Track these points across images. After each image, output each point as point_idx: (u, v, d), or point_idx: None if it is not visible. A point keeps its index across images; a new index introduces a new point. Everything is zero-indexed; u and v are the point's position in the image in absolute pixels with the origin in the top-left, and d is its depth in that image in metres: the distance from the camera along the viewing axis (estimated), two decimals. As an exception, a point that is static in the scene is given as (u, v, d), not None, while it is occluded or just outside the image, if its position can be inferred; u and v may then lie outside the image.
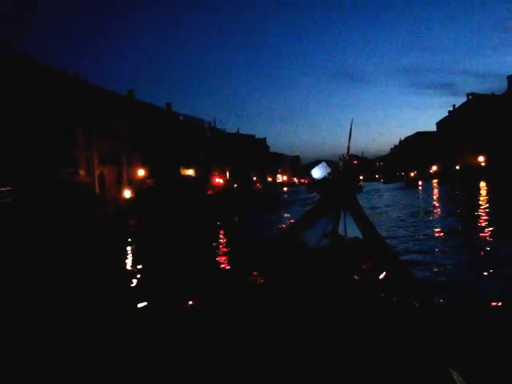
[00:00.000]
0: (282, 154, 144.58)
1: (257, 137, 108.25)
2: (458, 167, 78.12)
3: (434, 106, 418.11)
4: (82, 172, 40.04)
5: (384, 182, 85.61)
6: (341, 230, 4.43)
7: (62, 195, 31.93)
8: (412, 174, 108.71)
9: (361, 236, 4.39)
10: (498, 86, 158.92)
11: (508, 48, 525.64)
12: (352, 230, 4.44)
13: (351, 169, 5.14)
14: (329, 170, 5.06)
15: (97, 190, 41.79)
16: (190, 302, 5.94)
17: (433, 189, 46.56)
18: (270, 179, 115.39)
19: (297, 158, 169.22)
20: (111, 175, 45.25)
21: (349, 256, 4.13)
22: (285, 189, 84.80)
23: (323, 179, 5.08)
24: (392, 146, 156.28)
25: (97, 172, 42.67)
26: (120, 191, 45.65)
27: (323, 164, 5.16)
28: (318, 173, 5.12)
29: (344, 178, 4.78)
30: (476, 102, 71.07)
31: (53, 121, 36.26)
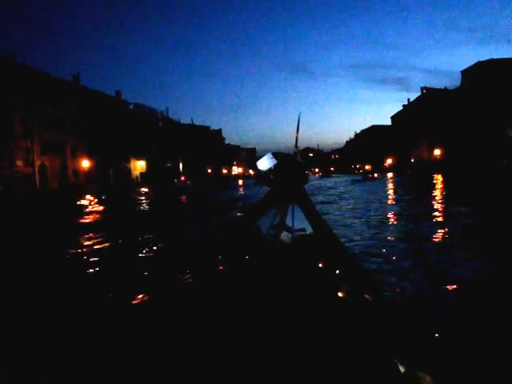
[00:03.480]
0: (238, 146, 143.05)
1: (212, 128, 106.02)
2: (412, 160, 79.07)
3: (388, 101, 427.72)
4: (19, 163, 36.87)
5: (320, 176, 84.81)
6: (288, 222, 4.42)
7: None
8: (367, 167, 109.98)
9: (309, 227, 4.39)
10: (447, 82, 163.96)
11: (457, 46, 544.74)
12: (300, 222, 4.43)
13: (299, 160, 5.10)
14: (275, 162, 5.00)
15: (37, 182, 38.73)
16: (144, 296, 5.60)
17: (387, 182, 46.21)
18: (225, 171, 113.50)
19: (253, 150, 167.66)
20: (54, 166, 42.11)
21: (295, 249, 4.18)
22: (240, 182, 74.53)
23: (270, 170, 5.07)
24: (347, 139, 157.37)
25: (37, 163, 39.54)
26: (64, 183, 42.72)
27: (269, 155, 5.09)
28: (263, 164, 5.06)
29: (292, 170, 4.75)
30: (430, 97, 71.73)
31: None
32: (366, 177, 57.60)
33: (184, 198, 32.35)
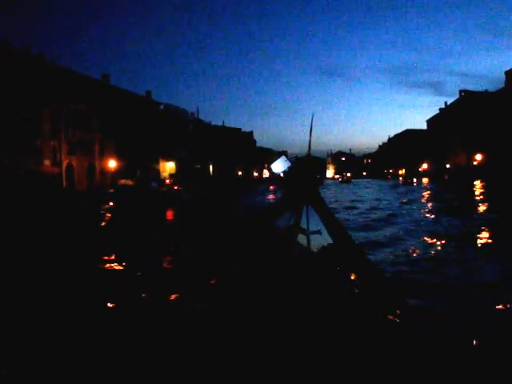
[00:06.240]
0: (270, 149, 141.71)
1: (243, 130, 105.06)
2: (448, 166, 76.00)
3: (421, 105, 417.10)
4: (46, 162, 36.48)
5: (341, 182, 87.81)
6: (303, 224, 4.41)
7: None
8: (400, 172, 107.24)
9: (324, 230, 4.41)
10: (484, 86, 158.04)
11: (495, 50, 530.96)
12: (315, 224, 4.42)
13: (312, 163, 5.03)
14: (289, 164, 5.07)
15: (64, 182, 38.30)
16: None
17: (423, 188, 43.88)
18: (256, 174, 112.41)
19: (284, 153, 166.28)
20: (81, 166, 41.71)
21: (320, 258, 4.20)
22: (271, 187, 60.73)
23: (284, 173, 5.17)
24: (380, 143, 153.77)
25: (65, 162, 39.14)
26: (91, 183, 42.31)
27: (283, 158, 5.20)
28: (278, 167, 5.08)
29: (305, 172, 4.73)
30: (469, 100, 68.65)
31: (12, 106, 32.64)
32: (406, 181, 60.77)
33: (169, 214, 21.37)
